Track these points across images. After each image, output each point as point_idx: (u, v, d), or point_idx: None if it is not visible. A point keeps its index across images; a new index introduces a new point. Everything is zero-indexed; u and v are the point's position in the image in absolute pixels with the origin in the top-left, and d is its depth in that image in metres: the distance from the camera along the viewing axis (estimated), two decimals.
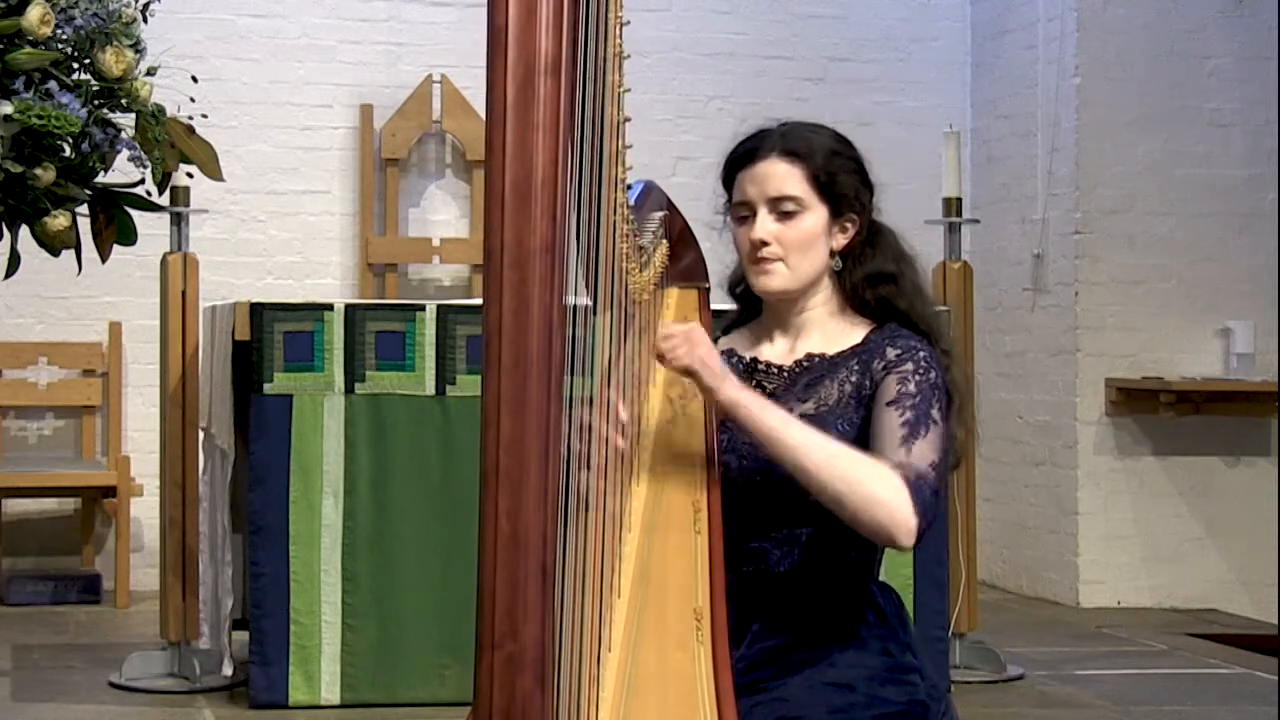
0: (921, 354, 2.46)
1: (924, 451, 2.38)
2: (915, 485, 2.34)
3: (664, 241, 2.58)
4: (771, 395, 2.50)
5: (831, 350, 2.52)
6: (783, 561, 2.47)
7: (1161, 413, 6.99)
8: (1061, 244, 7.22)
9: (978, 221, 6.95)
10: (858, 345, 2.51)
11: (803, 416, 2.44)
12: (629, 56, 2.30)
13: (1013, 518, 7.48)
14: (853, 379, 2.47)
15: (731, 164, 2.55)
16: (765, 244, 2.48)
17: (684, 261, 2.64)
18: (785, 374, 2.53)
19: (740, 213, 2.52)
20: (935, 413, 2.42)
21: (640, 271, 2.46)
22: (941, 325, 2.56)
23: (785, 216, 2.49)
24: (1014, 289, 7.53)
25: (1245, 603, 7.04)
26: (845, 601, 2.47)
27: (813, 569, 2.46)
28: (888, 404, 2.42)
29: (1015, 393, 7.49)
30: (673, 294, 2.64)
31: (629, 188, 2.42)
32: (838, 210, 2.51)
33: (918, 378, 2.43)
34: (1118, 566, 7.07)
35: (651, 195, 2.55)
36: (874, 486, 2.33)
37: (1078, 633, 6.53)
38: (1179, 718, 5.20)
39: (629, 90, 2.32)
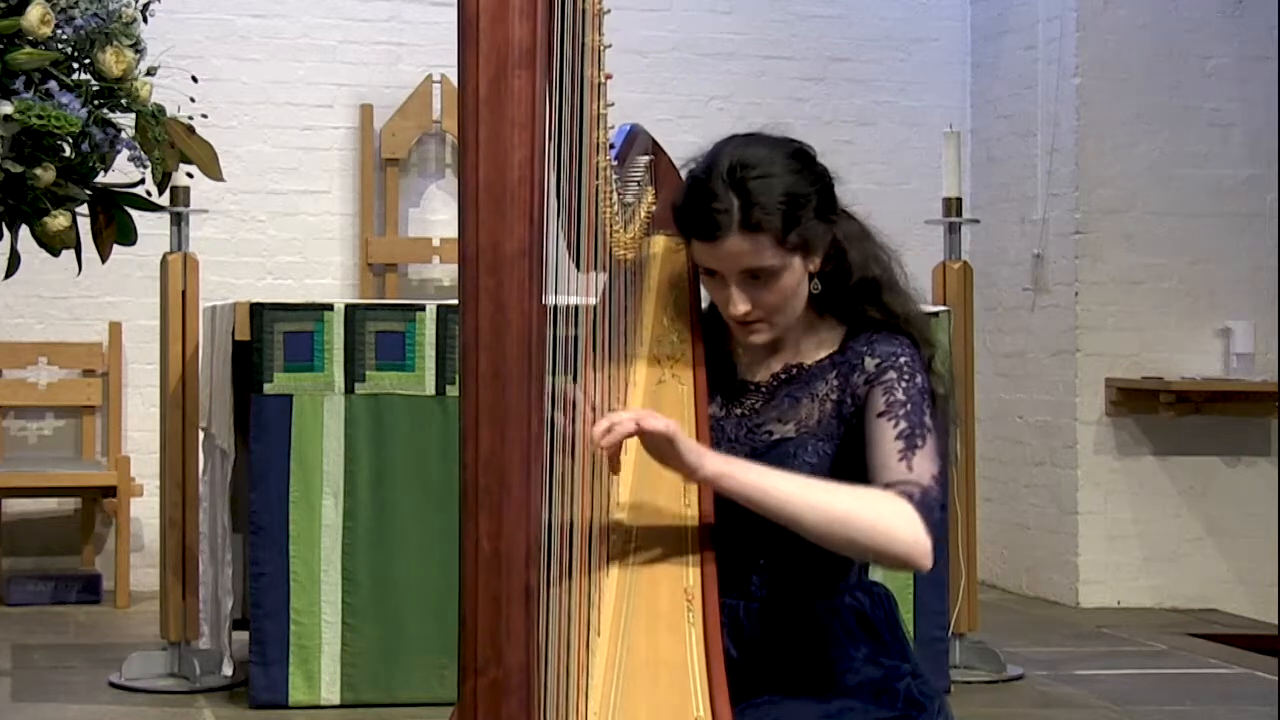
0: (902, 359, 2.38)
1: (924, 464, 2.31)
2: (923, 505, 2.28)
3: (650, 189, 2.48)
4: (752, 413, 2.45)
5: (809, 359, 2.45)
6: (764, 587, 2.42)
7: (1161, 413, 6.98)
8: (1061, 244, 7.22)
9: (978, 221, 6.95)
10: (835, 353, 2.44)
11: (782, 439, 2.40)
12: (609, 11, 2.20)
13: (1013, 518, 7.48)
14: (833, 396, 2.40)
15: (685, 227, 2.39)
16: (748, 312, 2.38)
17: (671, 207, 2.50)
18: (764, 390, 2.46)
19: (706, 272, 2.41)
20: (928, 419, 2.35)
21: (624, 229, 2.38)
22: (918, 313, 2.47)
23: (759, 282, 2.37)
24: (1014, 289, 7.52)
25: (1245, 603, 7.03)
26: (830, 615, 2.43)
27: (793, 587, 2.42)
28: (879, 415, 2.35)
29: (1015, 393, 7.48)
30: (659, 242, 2.55)
31: (611, 146, 2.34)
32: (809, 250, 2.39)
33: (904, 384, 2.36)
34: (1118, 566, 7.07)
35: (636, 140, 2.45)
36: (886, 523, 2.25)
37: (1078, 633, 6.53)
38: (1179, 718, 5.20)
39: (610, 45, 2.22)
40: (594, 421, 2.23)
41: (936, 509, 2.29)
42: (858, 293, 2.44)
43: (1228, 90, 7.18)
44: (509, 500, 1.68)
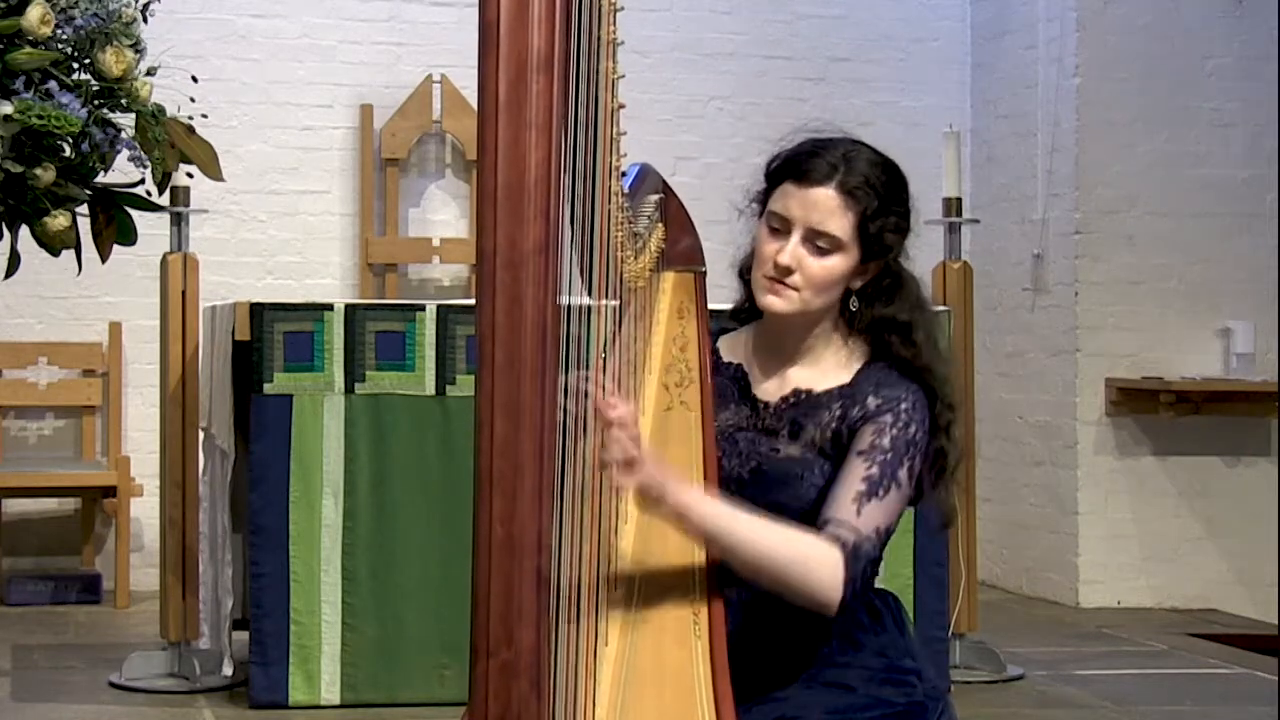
0: (903, 406, 2.42)
1: (874, 515, 2.36)
2: (852, 556, 2.33)
3: (659, 225, 2.54)
4: (761, 431, 2.48)
5: (819, 387, 2.47)
6: None
7: (1161, 413, 6.98)
8: (1061, 244, 7.22)
9: (978, 221, 6.95)
10: (845, 385, 2.46)
11: (789, 459, 2.43)
12: (623, 43, 2.25)
13: (1013, 518, 7.48)
14: (833, 425, 2.44)
15: (784, 167, 2.47)
16: (789, 270, 2.42)
17: (680, 245, 2.59)
18: (773, 410, 2.49)
19: (774, 223, 2.45)
20: (902, 473, 2.39)
21: (635, 259, 2.43)
22: (948, 376, 2.50)
23: (818, 250, 2.42)
24: (1014, 289, 7.52)
25: (1245, 603, 7.03)
26: (843, 610, 2.45)
27: None
28: (858, 453, 2.39)
29: (1015, 393, 7.49)
30: (668, 278, 2.60)
31: (623, 174, 2.39)
32: (869, 257, 2.45)
33: (894, 431, 2.40)
34: (1118, 566, 7.07)
35: (647, 178, 2.51)
36: (811, 578, 2.31)
37: (1078, 633, 6.53)
38: (1179, 718, 5.20)
39: (623, 76, 2.27)
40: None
41: (865, 562, 2.35)
42: (892, 328, 2.47)
43: (1228, 90, 7.18)
44: (522, 486, 1.74)
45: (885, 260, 2.47)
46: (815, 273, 2.42)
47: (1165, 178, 7.15)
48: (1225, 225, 7.17)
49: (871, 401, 2.42)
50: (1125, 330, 7.12)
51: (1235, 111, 7.19)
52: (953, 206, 5.80)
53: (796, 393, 2.48)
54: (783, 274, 2.43)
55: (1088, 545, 7.06)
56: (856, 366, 2.48)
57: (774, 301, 2.45)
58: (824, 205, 2.41)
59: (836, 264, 2.43)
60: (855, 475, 2.38)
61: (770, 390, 2.51)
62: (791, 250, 2.42)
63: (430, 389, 5.14)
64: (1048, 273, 7.30)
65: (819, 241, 2.42)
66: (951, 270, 5.69)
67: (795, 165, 2.45)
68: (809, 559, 2.31)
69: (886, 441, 2.39)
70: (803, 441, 2.45)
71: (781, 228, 2.44)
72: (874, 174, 2.43)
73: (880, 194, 2.42)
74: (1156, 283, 7.14)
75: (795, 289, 2.43)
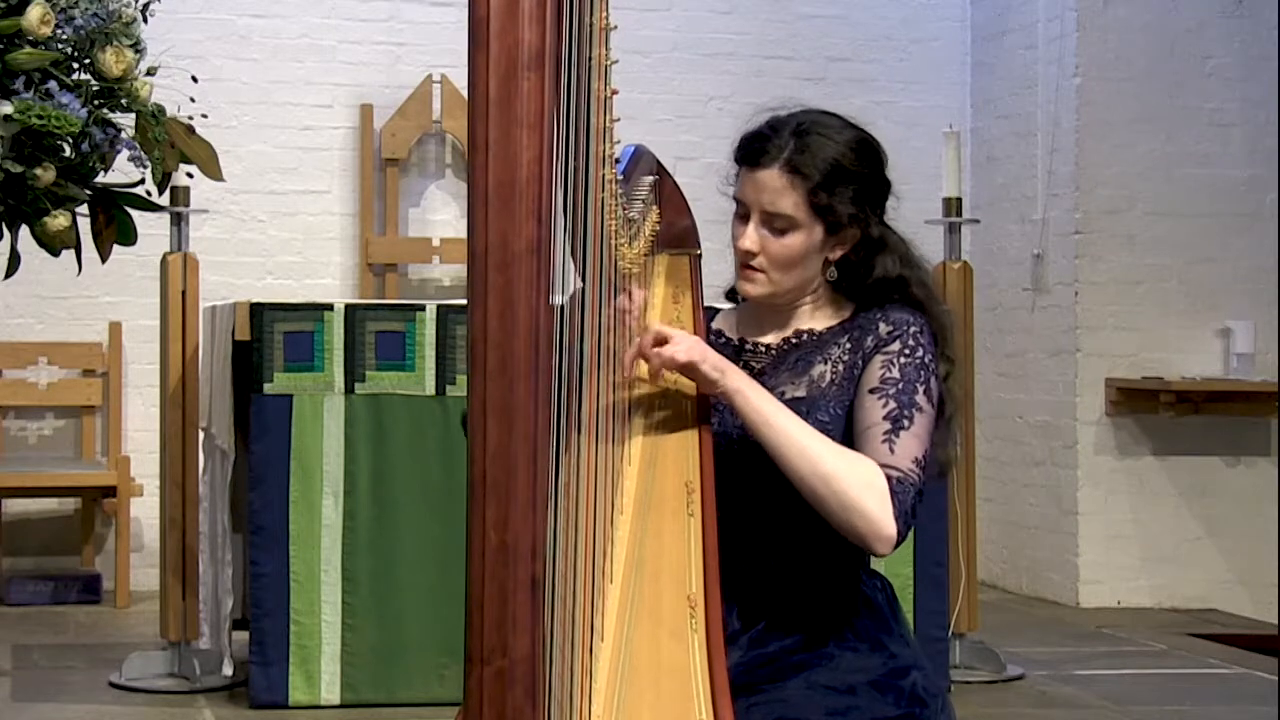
0: (912, 329, 2.42)
1: (908, 447, 2.35)
2: (898, 490, 2.32)
3: (654, 209, 2.53)
4: (760, 374, 2.47)
5: (821, 326, 2.49)
6: (774, 553, 2.44)
7: (1161, 413, 6.99)
8: (1061, 244, 7.22)
9: (978, 221, 6.95)
10: (848, 320, 2.48)
11: (794, 399, 2.42)
12: (616, 27, 2.23)
13: (1013, 518, 7.48)
14: (845, 358, 2.44)
15: (740, 153, 2.49)
16: (753, 254, 2.45)
17: (675, 228, 2.59)
18: (773, 351, 2.50)
19: (739, 209, 2.48)
20: (920, 398, 2.38)
21: (629, 244, 2.42)
22: (951, 328, 2.50)
23: (776, 230, 2.44)
24: (1014, 289, 7.52)
25: (1245, 603, 7.03)
26: (839, 596, 2.45)
27: (805, 560, 2.44)
28: (870, 391, 2.39)
29: (1015, 393, 7.49)
30: (663, 261, 2.59)
31: (617, 161, 2.38)
32: (834, 229, 2.45)
33: (903, 359, 2.40)
34: (1118, 566, 7.07)
35: (641, 160, 2.50)
36: (855, 493, 2.31)
37: (1078, 633, 6.53)
38: (1179, 718, 5.20)
39: (616, 62, 2.25)
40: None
41: (910, 495, 2.34)
42: (885, 288, 2.48)
43: (1228, 90, 7.18)
44: (516, 492, 1.71)
45: (859, 228, 2.46)
46: (777, 252, 2.45)
47: (1165, 178, 7.15)
48: (1225, 225, 7.17)
49: (883, 328, 2.43)
50: (1125, 330, 7.12)
51: (1235, 111, 7.18)
52: (953, 206, 5.80)
53: (799, 333, 2.50)
54: (747, 258, 2.46)
55: (1088, 545, 7.06)
56: (853, 310, 2.50)
57: (746, 288, 2.48)
58: (771, 186, 2.43)
59: (796, 241, 2.44)
60: (874, 416, 2.37)
61: (769, 335, 2.52)
62: (749, 234, 2.45)
63: (430, 389, 5.14)
64: (1048, 273, 7.30)
65: (775, 222, 2.44)
66: (951, 270, 5.69)
67: (745, 149, 2.48)
68: (864, 473, 2.31)
69: (896, 372, 2.39)
70: (809, 380, 2.45)
71: (743, 213, 2.47)
72: (823, 147, 2.43)
73: (829, 166, 2.42)
74: (1156, 283, 7.14)
75: (762, 271, 2.46)
